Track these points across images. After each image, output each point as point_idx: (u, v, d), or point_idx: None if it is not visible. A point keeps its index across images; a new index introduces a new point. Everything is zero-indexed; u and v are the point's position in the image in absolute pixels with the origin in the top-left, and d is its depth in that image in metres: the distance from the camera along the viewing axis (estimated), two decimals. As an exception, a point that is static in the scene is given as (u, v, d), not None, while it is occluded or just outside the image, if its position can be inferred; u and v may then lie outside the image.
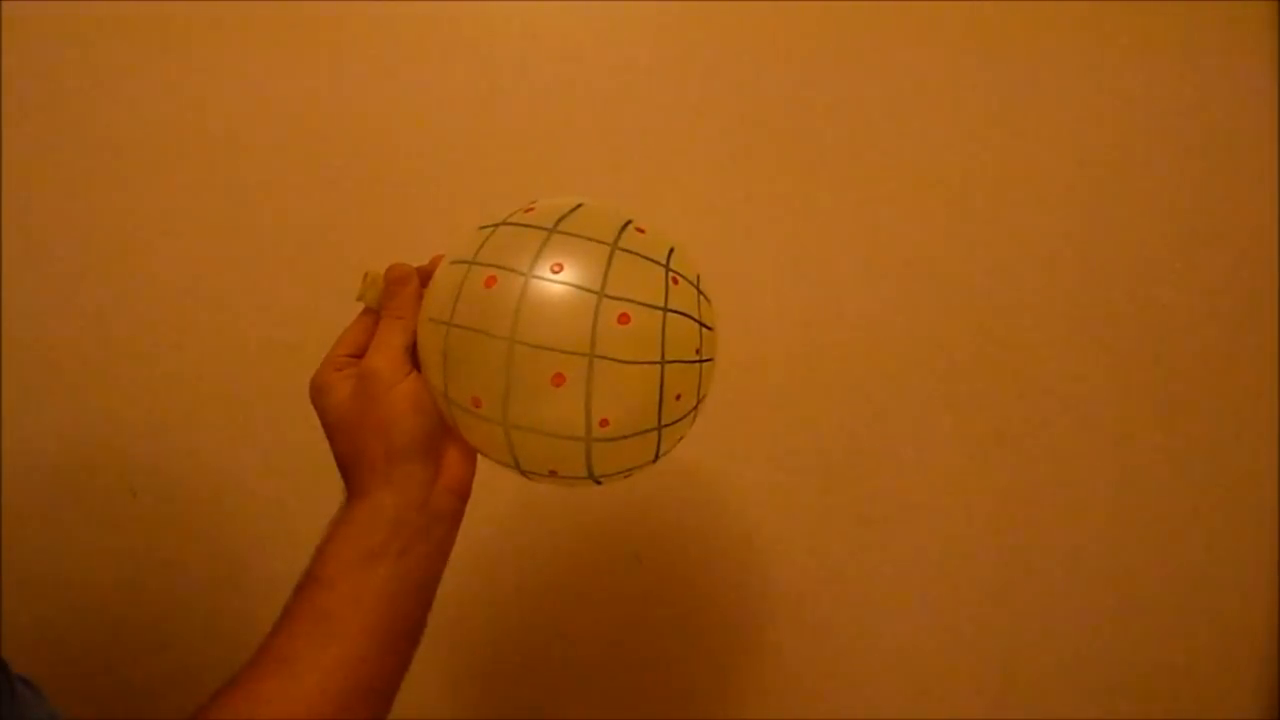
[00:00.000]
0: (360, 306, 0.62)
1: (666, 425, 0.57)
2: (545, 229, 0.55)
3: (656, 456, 0.59)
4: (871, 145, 1.00)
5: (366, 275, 0.61)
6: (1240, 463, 1.02)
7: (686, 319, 0.56)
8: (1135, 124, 1.01)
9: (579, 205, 0.58)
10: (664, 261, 0.56)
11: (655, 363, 0.54)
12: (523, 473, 0.58)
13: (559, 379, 0.53)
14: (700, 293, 0.58)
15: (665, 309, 0.55)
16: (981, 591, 1.03)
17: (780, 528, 1.02)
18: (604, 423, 0.54)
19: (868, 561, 1.03)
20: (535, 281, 0.53)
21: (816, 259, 1.01)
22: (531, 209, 0.58)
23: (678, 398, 0.56)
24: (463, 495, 0.59)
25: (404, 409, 0.56)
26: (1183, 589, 1.03)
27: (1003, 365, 1.01)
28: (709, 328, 0.58)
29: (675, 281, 0.56)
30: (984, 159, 1.01)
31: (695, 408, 0.59)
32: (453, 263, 0.57)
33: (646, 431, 0.56)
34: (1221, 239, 1.01)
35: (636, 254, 0.55)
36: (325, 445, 0.58)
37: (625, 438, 0.55)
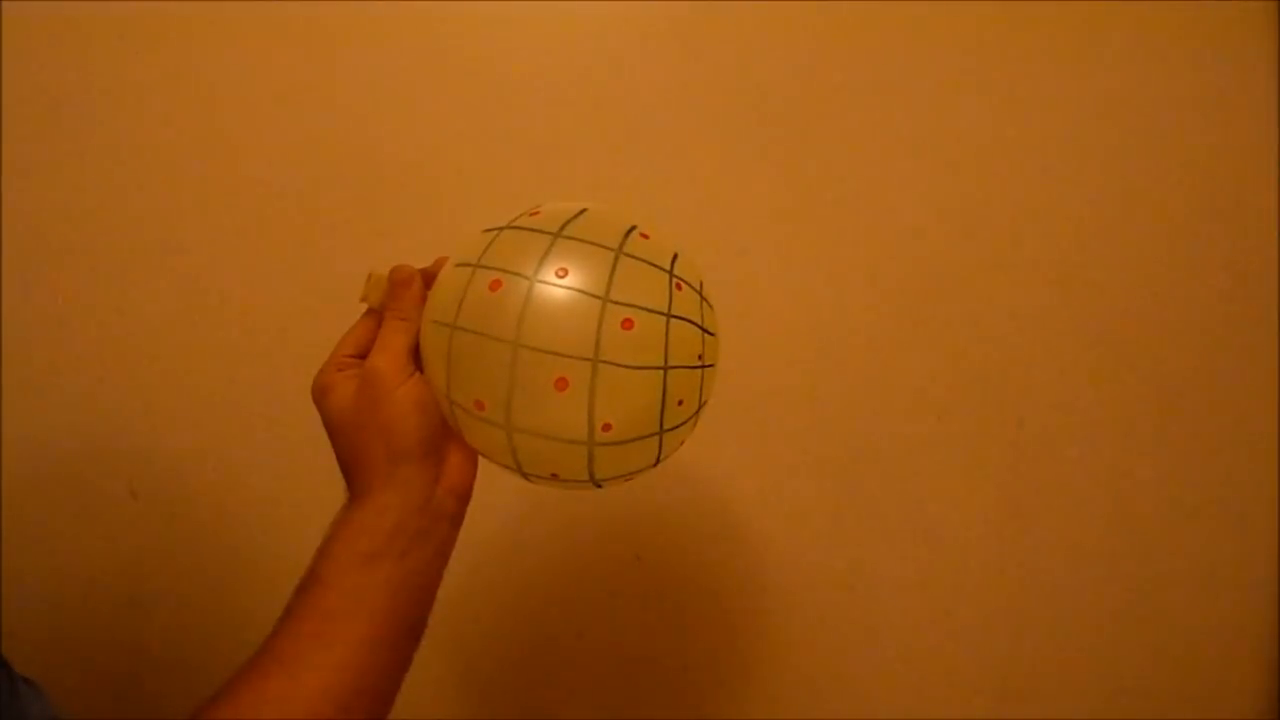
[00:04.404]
0: (363, 307, 0.62)
1: (668, 430, 0.57)
2: (550, 233, 0.55)
3: (658, 460, 0.59)
4: (872, 148, 1.00)
5: (370, 276, 0.61)
6: (1240, 463, 1.03)
7: (689, 325, 0.56)
8: (1135, 124, 1.01)
9: (584, 210, 0.58)
10: (668, 267, 0.56)
11: (658, 368, 0.54)
12: (524, 475, 0.58)
13: (562, 383, 0.53)
14: (703, 299, 0.58)
15: (669, 315, 0.55)
16: (981, 592, 1.03)
17: (779, 529, 1.02)
18: (606, 427, 0.54)
19: (867, 562, 1.03)
20: (540, 286, 0.53)
21: (818, 264, 1.01)
22: (536, 213, 0.58)
23: (680, 403, 0.56)
24: (464, 497, 0.60)
25: (406, 410, 0.56)
26: (1183, 589, 1.03)
27: (1004, 367, 1.02)
28: (711, 334, 0.58)
29: (679, 287, 0.56)
30: (983, 160, 1.01)
31: (697, 413, 0.59)
32: (457, 265, 0.57)
33: (648, 436, 0.56)
34: (1221, 239, 1.02)
35: (641, 259, 0.55)
36: (327, 446, 0.59)
37: (627, 442, 0.55)
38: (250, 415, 0.99)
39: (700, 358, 0.57)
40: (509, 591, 1.03)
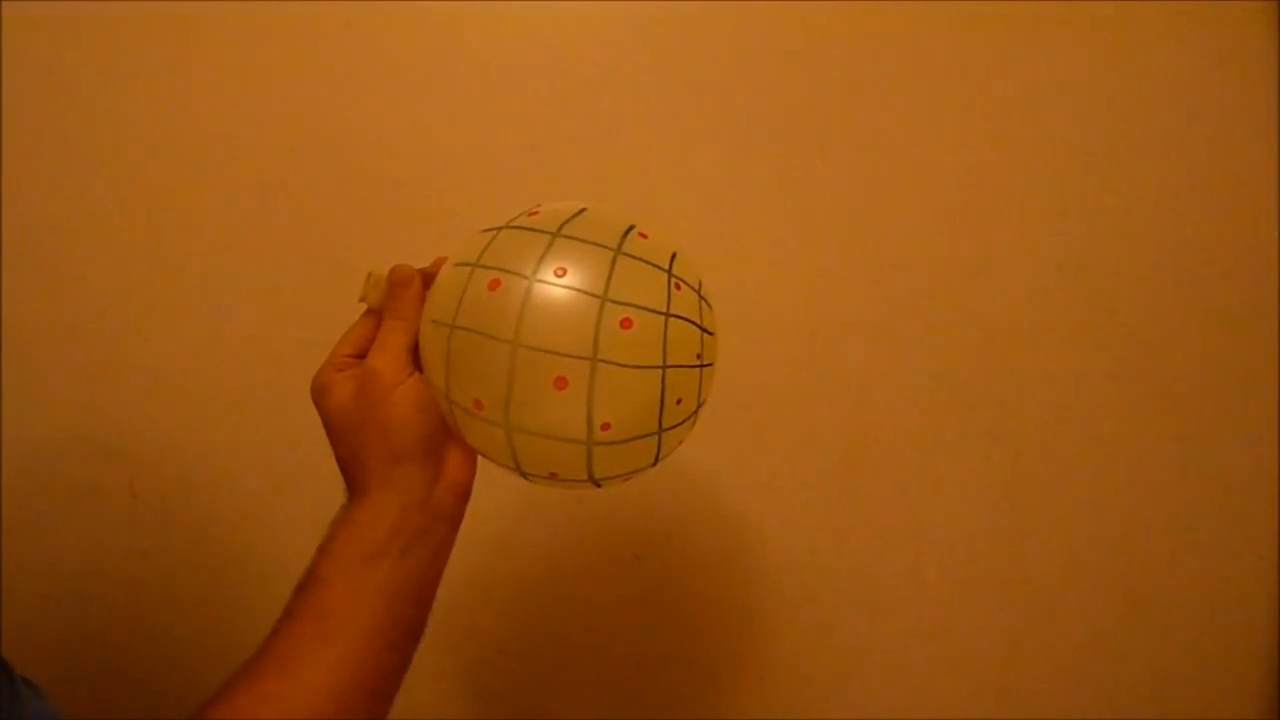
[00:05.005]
0: (362, 307, 0.62)
1: (667, 429, 0.57)
2: (549, 233, 0.55)
3: (656, 460, 0.59)
4: (871, 149, 1.00)
5: (369, 276, 0.61)
6: (1240, 463, 1.03)
7: (688, 324, 0.56)
8: (1135, 124, 1.01)
9: (583, 210, 0.58)
10: (667, 267, 0.56)
11: (657, 367, 0.54)
12: (523, 475, 0.58)
13: (561, 382, 0.53)
14: (702, 298, 0.58)
15: (667, 314, 0.55)
16: (981, 592, 1.03)
17: (780, 528, 1.02)
18: (605, 426, 0.54)
19: (868, 562, 1.03)
20: (539, 285, 0.53)
21: (818, 263, 1.01)
22: (535, 213, 0.58)
23: (678, 402, 0.56)
24: (463, 496, 0.60)
25: (405, 410, 0.56)
26: (1183, 589, 1.03)
27: (1003, 367, 1.02)
28: (710, 333, 0.58)
29: (678, 287, 0.56)
30: (983, 161, 1.01)
31: (695, 412, 0.59)
32: (456, 265, 0.58)
33: (647, 435, 0.56)
34: (1221, 240, 1.02)
35: (639, 259, 0.55)
36: (326, 445, 0.59)
37: (626, 441, 0.56)
38: (250, 415, 0.99)
39: (699, 357, 0.57)
40: (509, 591, 1.03)
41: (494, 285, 0.54)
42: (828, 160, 1.01)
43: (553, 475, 0.58)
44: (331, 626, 0.54)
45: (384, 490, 0.56)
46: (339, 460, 0.58)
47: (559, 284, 0.53)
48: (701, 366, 0.58)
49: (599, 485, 0.59)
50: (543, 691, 1.04)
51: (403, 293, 0.59)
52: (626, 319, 0.53)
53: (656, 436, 0.57)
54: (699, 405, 0.59)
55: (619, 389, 0.54)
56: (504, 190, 0.97)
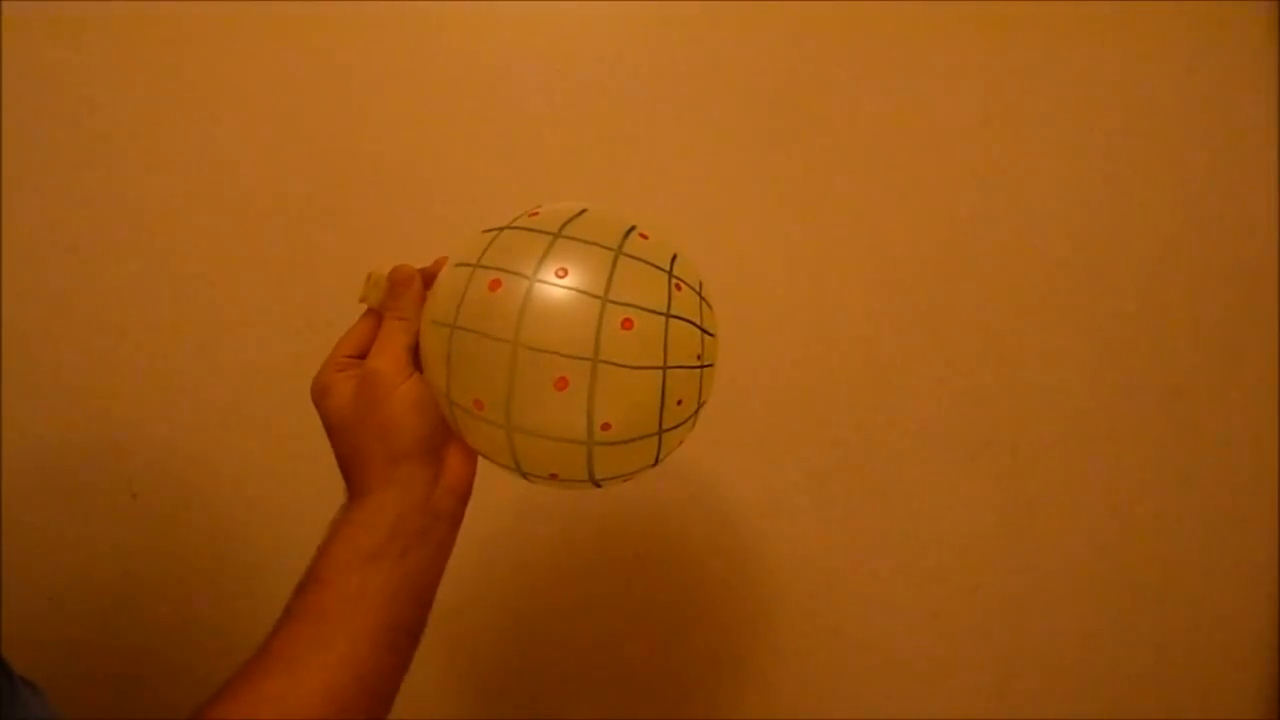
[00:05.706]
0: (363, 307, 0.62)
1: (667, 430, 0.57)
2: (550, 233, 0.55)
3: (657, 460, 0.59)
4: (871, 148, 1.01)
5: (370, 276, 0.61)
6: (1240, 463, 1.03)
7: (689, 325, 0.56)
8: (1135, 124, 1.01)
9: (583, 210, 0.58)
10: (667, 268, 0.56)
11: (657, 368, 0.54)
12: (524, 475, 0.58)
13: (562, 383, 0.53)
14: (702, 299, 0.58)
15: (668, 315, 0.55)
16: (981, 592, 1.03)
17: (780, 529, 1.03)
18: (606, 426, 0.54)
19: (867, 562, 1.03)
20: (540, 285, 0.53)
21: (818, 265, 1.01)
22: (536, 213, 0.58)
23: (679, 403, 0.56)
24: (463, 496, 0.60)
25: (406, 410, 0.56)
26: (1183, 589, 1.03)
27: (1002, 367, 1.02)
28: (710, 334, 0.58)
29: (678, 288, 0.56)
30: (984, 161, 1.01)
31: (695, 412, 0.59)
32: (457, 265, 0.58)
33: (647, 436, 0.56)
34: (1221, 239, 1.02)
35: (640, 260, 0.55)
36: (327, 445, 0.59)
37: (626, 442, 0.56)
38: (250, 415, 0.99)
39: (699, 358, 0.57)
40: (509, 591, 1.03)
41: (495, 285, 0.54)
42: (830, 161, 1.01)
43: (553, 476, 0.57)
44: (331, 627, 0.54)
45: (384, 491, 0.56)
46: (339, 460, 0.58)
47: (560, 284, 0.53)
48: (702, 367, 0.58)
49: (599, 485, 0.59)
50: (544, 691, 1.04)
51: (403, 293, 0.59)
52: (627, 319, 0.53)
53: (657, 437, 0.57)
54: (699, 406, 0.59)
55: (619, 389, 0.54)
56: (505, 191, 0.97)
